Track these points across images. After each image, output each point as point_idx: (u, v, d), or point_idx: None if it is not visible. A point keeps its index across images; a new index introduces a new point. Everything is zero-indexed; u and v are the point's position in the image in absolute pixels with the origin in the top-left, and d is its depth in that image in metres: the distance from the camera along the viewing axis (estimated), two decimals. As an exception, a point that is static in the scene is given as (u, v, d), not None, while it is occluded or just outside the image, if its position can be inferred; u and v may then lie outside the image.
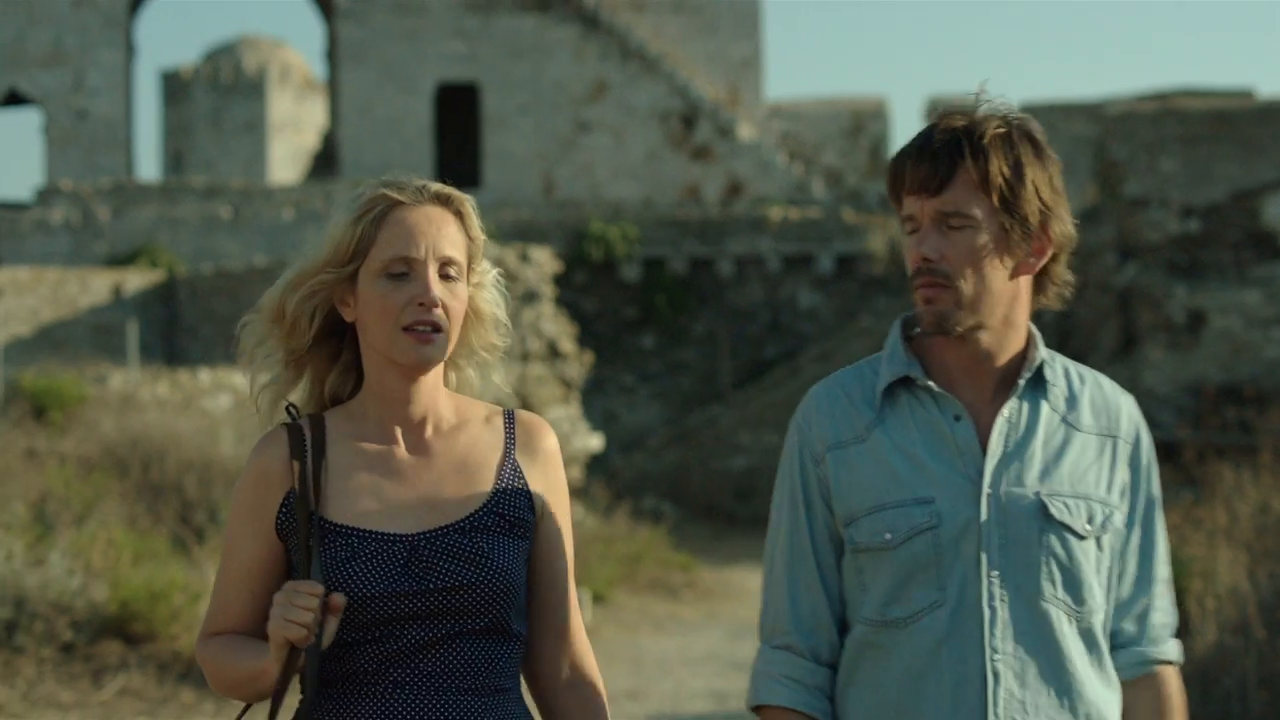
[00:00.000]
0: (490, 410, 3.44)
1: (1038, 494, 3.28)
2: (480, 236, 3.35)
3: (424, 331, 3.26)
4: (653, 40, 36.49)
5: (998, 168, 3.25)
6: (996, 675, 3.24)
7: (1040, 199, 3.27)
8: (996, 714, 3.24)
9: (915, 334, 3.40)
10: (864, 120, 37.20)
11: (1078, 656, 3.30)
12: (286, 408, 3.37)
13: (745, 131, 35.85)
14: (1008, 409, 3.32)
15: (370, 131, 35.63)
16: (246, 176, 43.22)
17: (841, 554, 3.37)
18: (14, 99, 37.43)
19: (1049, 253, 3.31)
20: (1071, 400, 3.38)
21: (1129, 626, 3.37)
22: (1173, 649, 3.40)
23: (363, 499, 3.31)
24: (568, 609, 3.42)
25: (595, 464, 26.64)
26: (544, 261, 25.41)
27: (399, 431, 3.35)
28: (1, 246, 30.11)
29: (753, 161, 35.57)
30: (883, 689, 3.30)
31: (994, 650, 3.25)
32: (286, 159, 48.00)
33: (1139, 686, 3.37)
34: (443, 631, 3.26)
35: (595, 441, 24.94)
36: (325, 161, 38.25)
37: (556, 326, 25.23)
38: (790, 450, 3.41)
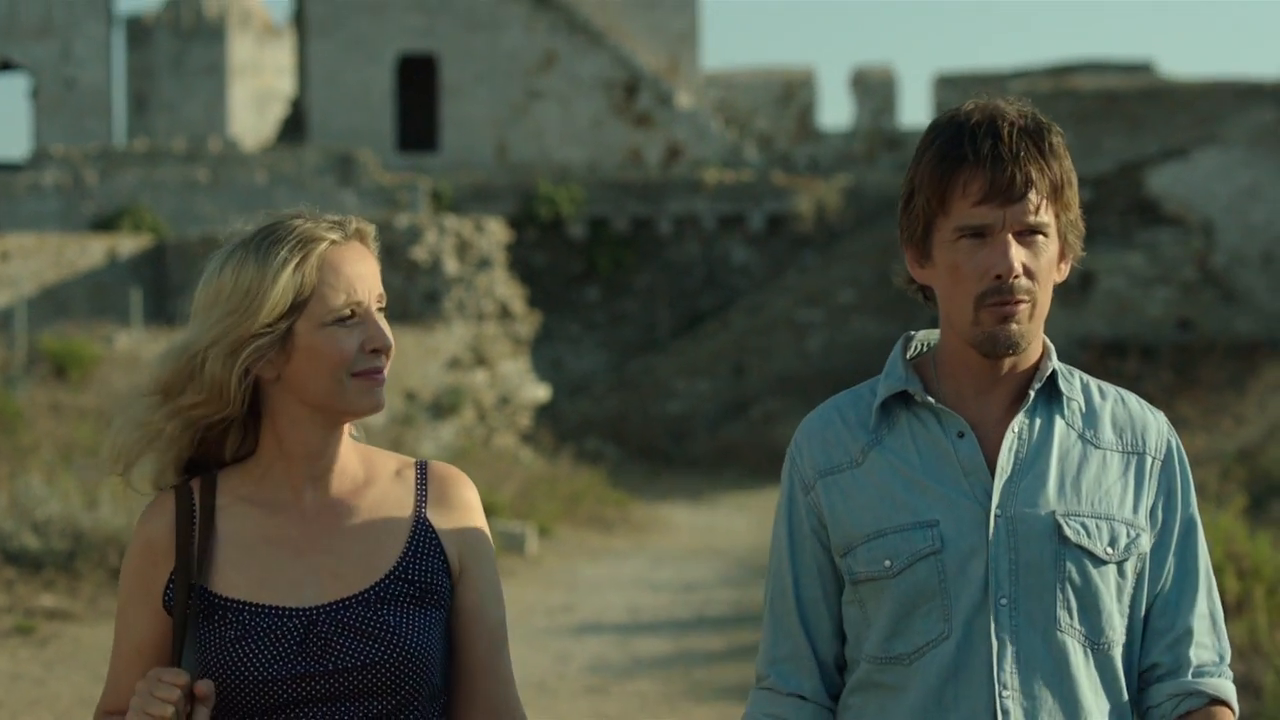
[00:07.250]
0: (401, 463, 3.05)
1: (1052, 514, 2.92)
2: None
3: (376, 375, 2.92)
4: (598, 14, 37.28)
5: (1061, 171, 2.91)
6: (1006, 713, 2.90)
7: (1078, 201, 2.98)
8: None
9: (917, 357, 3.08)
10: (793, 89, 37.99)
11: (1092, 692, 2.94)
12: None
13: (683, 99, 36.69)
14: (1017, 423, 2.97)
15: (336, 99, 36.71)
16: (207, 118, 44.16)
17: (840, 588, 3.02)
18: (3, 66, 39.01)
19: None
20: (1090, 416, 3.01)
21: (1165, 659, 2.98)
22: (1222, 686, 2.97)
23: (256, 569, 2.93)
24: (494, 677, 3.02)
25: (543, 409, 27.64)
26: (497, 231, 26.65)
27: (303, 491, 2.96)
28: (-2, 207, 31.67)
29: (690, 127, 36.45)
30: None
31: (1002, 686, 2.90)
32: (248, 101, 48.59)
33: None
34: (344, 716, 2.89)
35: (542, 392, 26.41)
36: (294, 126, 39.20)
37: (508, 290, 26.41)
38: (784, 481, 3.08)
